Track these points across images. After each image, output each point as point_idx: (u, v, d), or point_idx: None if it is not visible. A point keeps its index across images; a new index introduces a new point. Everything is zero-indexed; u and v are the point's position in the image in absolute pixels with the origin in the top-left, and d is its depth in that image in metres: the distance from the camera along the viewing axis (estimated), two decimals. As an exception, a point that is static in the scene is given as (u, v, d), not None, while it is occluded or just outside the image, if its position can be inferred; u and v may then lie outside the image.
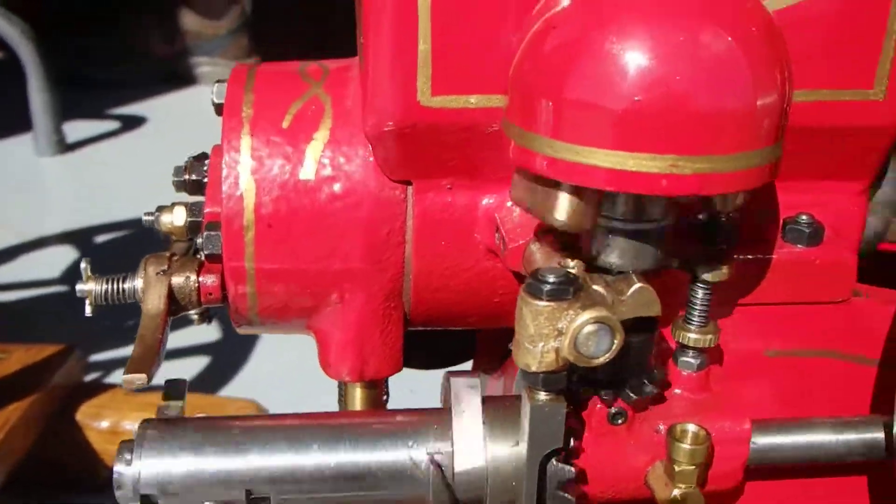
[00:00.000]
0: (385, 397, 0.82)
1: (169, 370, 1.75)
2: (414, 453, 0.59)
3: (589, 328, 0.51)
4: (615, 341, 0.51)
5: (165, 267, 0.67)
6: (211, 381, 1.68)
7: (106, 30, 3.21)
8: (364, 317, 0.69)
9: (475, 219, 0.66)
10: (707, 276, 0.60)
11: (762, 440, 0.63)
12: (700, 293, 0.61)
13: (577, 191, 0.52)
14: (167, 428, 0.59)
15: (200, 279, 0.67)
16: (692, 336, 0.61)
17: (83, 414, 1.41)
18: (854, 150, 0.67)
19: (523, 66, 0.52)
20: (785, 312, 0.69)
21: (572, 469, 0.57)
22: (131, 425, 1.45)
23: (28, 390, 1.37)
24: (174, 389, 0.63)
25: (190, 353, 1.73)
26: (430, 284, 0.68)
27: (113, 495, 0.59)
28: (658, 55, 0.47)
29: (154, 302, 0.65)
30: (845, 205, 0.70)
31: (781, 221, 0.68)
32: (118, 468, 0.58)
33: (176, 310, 0.67)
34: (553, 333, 0.51)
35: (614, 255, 0.56)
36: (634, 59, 0.47)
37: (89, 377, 1.64)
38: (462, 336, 0.86)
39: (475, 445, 0.58)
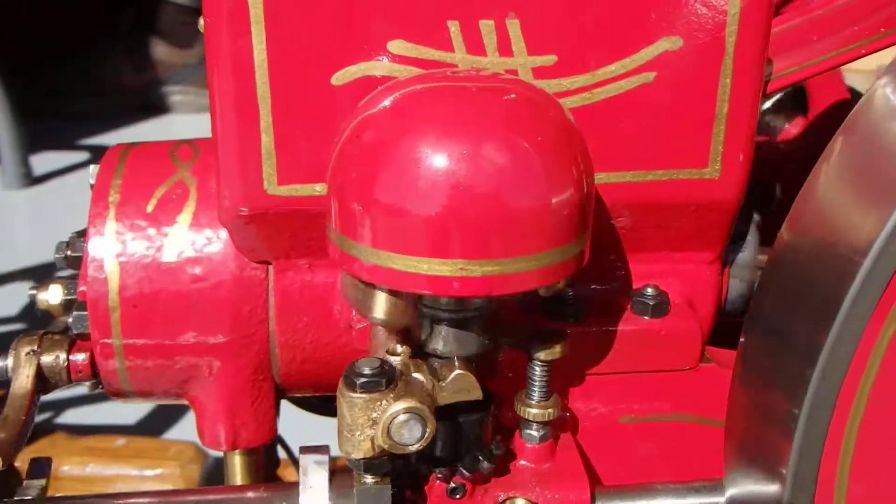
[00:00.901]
0: (279, 459, 0.85)
1: (119, 411, 1.76)
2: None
3: (401, 418, 0.54)
4: (427, 430, 0.54)
5: (36, 347, 0.69)
6: (157, 423, 1.70)
7: (75, 61, 3.23)
8: (234, 389, 0.72)
9: (334, 296, 0.69)
10: (540, 355, 0.62)
11: (603, 508, 0.66)
12: (537, 370, 0.63)
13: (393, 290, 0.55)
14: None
15: (70, 357, 0.70)
16: (533, 411, 0.64)
17: (22, 459, 1.43)
18: (698, 224, 0.70)
19: (333, 168, 0.55)
20: (638, 379, 0.71)
21: (405, 544, 0.60)
22: (70, 470, 1.47)
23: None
24: (37, 468, 0.65)
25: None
26: (296, 357, 0.71)
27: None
28: (443, 167, 0.50)
29: (21, 382, 0.68)
30: (697, 274, 0.73)
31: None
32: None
33: (46, 388, 0.70)
34: (368, 423, 0.54)
35: (439, 342, 0.59)
36: (423, 169, 0.50)
37: (38, 419, 1.66)
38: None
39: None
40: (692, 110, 0.65)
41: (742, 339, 0.63)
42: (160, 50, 3.32)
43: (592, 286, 0.72)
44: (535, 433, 0.65)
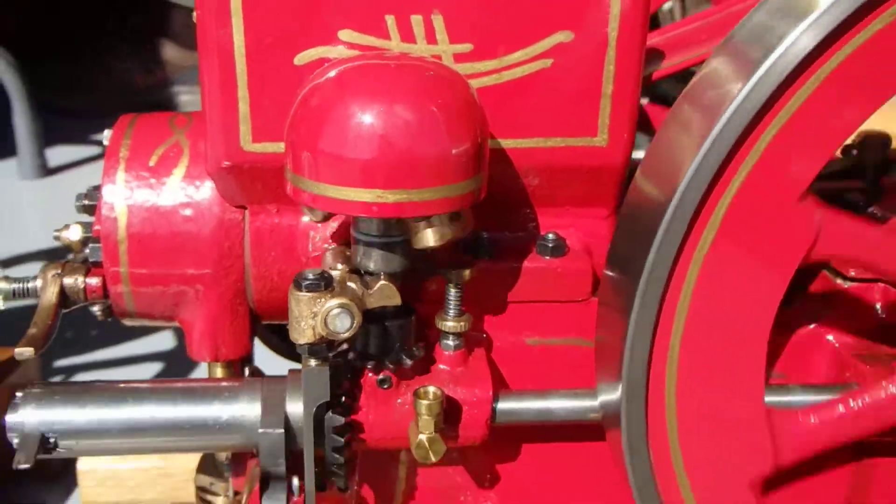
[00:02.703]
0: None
1: (126, 375, 1.92)
2: (229, 410, 0.79)
3: (335, 311, 0.71)
4: (354, 321, 0.71)
5: (59, 270, 0.87)
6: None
7: (88, 61, 3.40)
8: (217, 311, 0.90)
9: (296, 235, 0.87)
10: (452, 277, 0.80)
11: (504, 405, 0.83)
12: (452, 291, 0.81)
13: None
14: (45, 389, 0.79)
15: (87, 280, 0.88)
16: (448, 324, 0.81)
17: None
18: (592, 183, 0.87)
19: (289, 125, 0.72)
20: (543, 309, 0.89)
21: (342, 418, 0.77)
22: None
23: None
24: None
25: (143, 360, 1.93)
26: (266, 286, 0.89)
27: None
28: (365, 119, 0.68)
29: (48, 297, 0.85)
30: (594, 227, 0.90)
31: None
32: (9, 417, 0.78)
33: (68, 303, 0.88)
34: (310, 315, 0.72)
35: (371, 262, 0.76)
36: (352, 121, 0.68)
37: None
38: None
39: (277, 408, 0.79)
40: (583, 90, 0.82)
41: (604, 270, 0.80)
42: (170, 52, 3.48)
43: (506, 233, 0.89)
44: (450, 342, 0.82)
